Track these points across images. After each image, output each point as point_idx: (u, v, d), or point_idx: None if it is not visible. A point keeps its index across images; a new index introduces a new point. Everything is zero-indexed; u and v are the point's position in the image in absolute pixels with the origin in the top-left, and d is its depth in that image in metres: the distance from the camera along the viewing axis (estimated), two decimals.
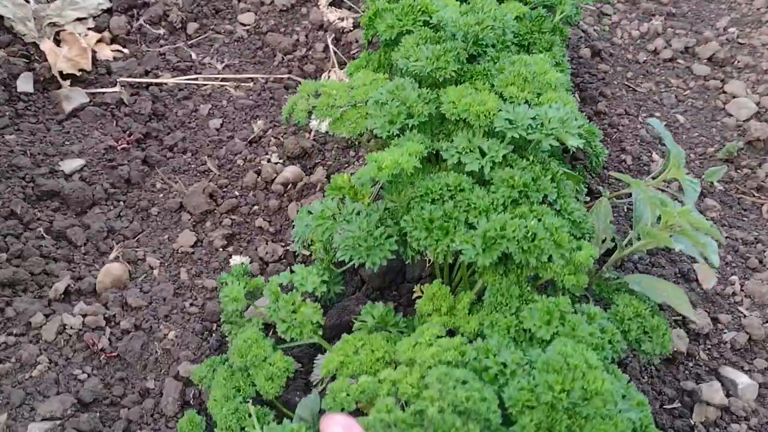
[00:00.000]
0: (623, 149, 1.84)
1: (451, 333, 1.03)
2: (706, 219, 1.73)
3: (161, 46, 2.08)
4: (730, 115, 2.05)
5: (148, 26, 2.12)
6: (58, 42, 1.99)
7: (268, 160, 1.73)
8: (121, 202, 1.63)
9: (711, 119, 2.04)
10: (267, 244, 1.52)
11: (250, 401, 1.05)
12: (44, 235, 1.50)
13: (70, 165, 1.68)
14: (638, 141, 1.89)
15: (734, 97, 2.10)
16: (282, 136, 1.80)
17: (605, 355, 0.94)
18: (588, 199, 1.50)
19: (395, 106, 1.20)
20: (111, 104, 1.86)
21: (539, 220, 1.02)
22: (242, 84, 1.98)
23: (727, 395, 1.32)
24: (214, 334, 1.34)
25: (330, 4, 2.20)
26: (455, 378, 0.80)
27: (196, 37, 2.14)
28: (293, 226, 1.25)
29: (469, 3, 1.31)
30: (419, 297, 1.14)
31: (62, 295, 1.39)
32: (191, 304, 1.39)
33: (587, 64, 2.10)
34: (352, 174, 1.30)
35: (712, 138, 1.98)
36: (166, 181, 1.68)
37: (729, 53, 2.26)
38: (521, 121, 1.11)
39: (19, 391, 1.22)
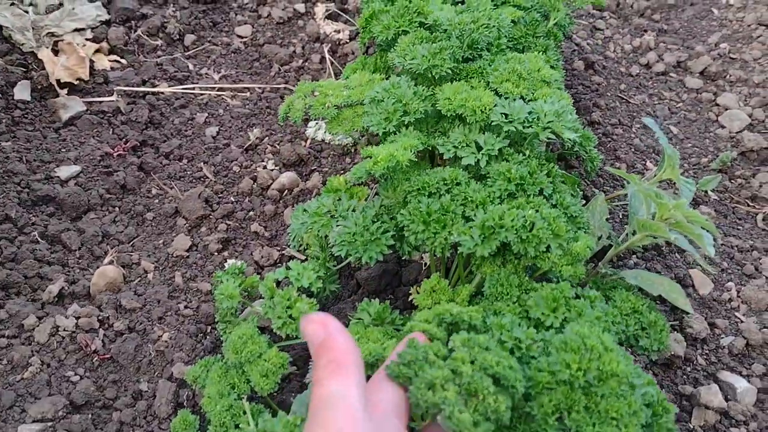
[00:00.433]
0: (617, 157, 1.84)
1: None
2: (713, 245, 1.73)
3: (158, 56, 2.09)
4: (723, 127, 2.07)
5: (145, 37, 2.13)
6: (56, 52, 2.00)
7: (264, 167, 1.73)
8: (117, 208, 1.62)
9: (704, 131, 2.06)
10: (262, 248, 1.51)
11: (245, 398, 1.04)
12: (39, 239, 1.50)
13: (65, 171, 1.68)
14: (632, 150, 1.89)
15: (727, 109, 2.11)
16: (278, 144, 1.80)
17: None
18: (584, 202, 1.51)
19: (391, 104, 1.21)
20: (108, 113, 1.87)
21: (537, 210, 1.02)
22: (239, 94, 1.99)
23: (726, 399, 1.30)
24: (208, 337, 1.33)
25: (327, 17, 2.22)
26: (479, 344, 0.79)
27: (194, 49, 2.15)
28: (289, 231, 1.25)
29: (464, 3, 1.33)
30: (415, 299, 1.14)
31: (56, 298, 1.37)
32: (186, 307, 1.37)
33: (581, 76, 2.12)
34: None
35: (705, 149, 1.99)
36: (161, 187, 1.68)
37: (721, 67, 2.29)
38: (517, 115, 1.12)
39: (10, 392, 1.20)
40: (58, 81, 1.91)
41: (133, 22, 2.17)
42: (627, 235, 1.17)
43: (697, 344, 1.41)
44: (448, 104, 1.17)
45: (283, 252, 1.51)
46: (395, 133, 1.20)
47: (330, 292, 1.21)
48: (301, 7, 2.29)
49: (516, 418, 0.80)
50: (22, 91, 1.87)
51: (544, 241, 0.99)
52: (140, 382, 1.25)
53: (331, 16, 2.24)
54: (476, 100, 1.15)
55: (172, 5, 2.25)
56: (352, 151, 1.76)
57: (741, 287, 1.55)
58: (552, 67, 1.50)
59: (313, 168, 1.74)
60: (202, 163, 1.75)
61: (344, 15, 2.25)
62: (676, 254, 1.60)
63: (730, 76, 2.26)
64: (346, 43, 2.13)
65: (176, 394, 1.21)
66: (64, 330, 1.29)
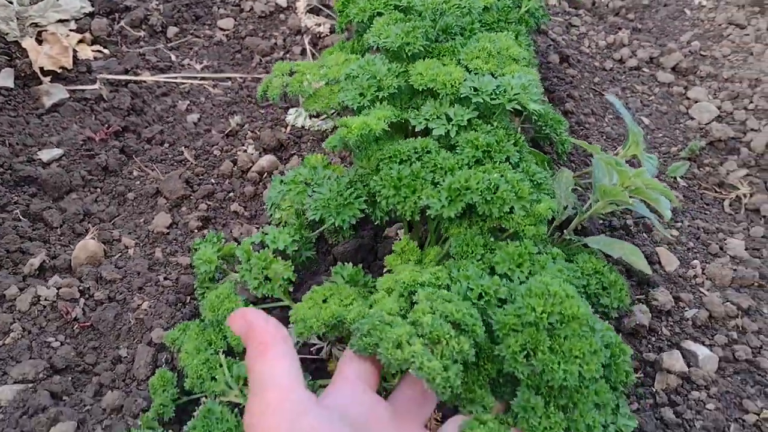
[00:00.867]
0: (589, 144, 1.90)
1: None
2: (672, 207, 1.79)
3: (141, 47, 2.13)
4: (693, 119, 2.13)
5: (128, 29, 2.17)
6: (39, 41, 2.03)
7: (245, 151, 1.77)
8: (98, 189, 1.66)
9: (675, 122, 2.12)
10: (242, 226, 1.55)
11: (221, 351, 1.07)
12: (21, 217, 1.52)
13: (47, 154, 1.71)
14: (603, 137, 1.95)
15: (697, 101, 2.18)
16: (259, 130, 1.85)
17: None
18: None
19: (366, 79, 1.25)
20: (90, 100, 1.90)
21: (501, 175, 1.07)
22: (220, 83, 2.03)
23: (688, 366, 1.35)
24: (187, 306, 1.36)
25: (308, 11, 2.27)
26: (442, 296, 0.84)
27: (176, 41, 2.19)
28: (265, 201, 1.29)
29: None
30: (390, 271, 1.18)
31: (37, 271, 1.40)
32: (165, 278, 1.41)
33: (555, 69, 2.18)
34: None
35: (675, 139, 2.05)
36: (143, 169, 1.71)
37: (692, 63, 2.36)
38: (485, 88, 1.17)
39: None
40: (41, 69, 1.95)
41: (116, 14, 2.21)
42: (590, 204, 1.22)
43: (661, 316, 1.45)
44: (420, 79, 1.22)
45: (262, 230, 1.55)
46: (370, 108, 1.25)
47: (306, 258, 1.25)
48: (282, 1, 2.34)
49: (484, 358, 0.85)
50: (5, 79, 1.90)
51: (508, 202, 1.04)
52: (120, 349, 1.28)
53: (312, 11, 2.29)
54: (447, 74, 1.20)
55: None
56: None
57: (706, 265, 1.60)
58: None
59: (292, 152, 1.78)
60: (183, 148, 1.79)
61: (326, 9, 2.30)
62: (644, 233, 1.65)
63: (701, 71, 2.33)
64: (327, 35, 2.18)
65: (155, 357, 1.24)
66: (45, 299, 1.32)
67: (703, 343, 1.41)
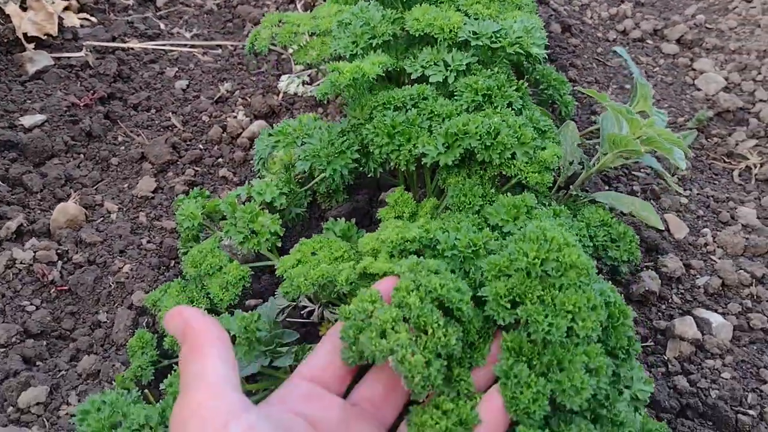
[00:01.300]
0: (594, 112, 1.83)
1: None
2: (677, 179, 1.72)
3: (129, 15, 2.06)
4: (699, 89, 2.06)
5: None
6: (24, 8, 1.96)
7: (235, 117, 1.70)
8: (81, 154, 1.58)
9: (680, 93, 2.05)
10: (231, 191, 1.47)
11: (203, 307, 1.00)
12: None
13: (30, 120, 1.63)
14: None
15: (703, 72, 2.11)
16: (249, 97, 1.77)
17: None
18: None
19: (359, 26, 1.18)
20: (76, 66, 1.82)
21: (503, 120, 0.99)
22: (210, 51, 1.96)
23: (702, 333, 1.28)
24: (171, 270, 1.29)
25: None
26: (427, 267, 0.76)
27: (166, 9, 2.12)
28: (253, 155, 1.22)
29: None
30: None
31: (14, 235, 1.33)
32: (149, 242, 1.34)
33: (558, 39, 2.11)
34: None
35: (681, 109, 1.98)
36: (128, 134, 1.64)
37: (697, 36, 2.28)
38: (485, 32, 1.09)
39: None
40: (25, 35, 1.87)
41: None
42: (598, 158, 1.14)
43: (672, 283, 1.38)
44: (416, 24, 1.15)
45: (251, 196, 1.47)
46: (363, 57, 1.18)
47: (296, 215, 1.18)
48: None
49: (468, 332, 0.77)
50: None
51: (510, 147, 0.97)
52: (99, 313, 1.21)
53: None
54: (445, 19, 1.13)
55: None
56: (325, 101, 1.73)
57: (717, 233, 1.53)
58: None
59: (284, 119, 1.71)
60: (170, 114, 1.71)
61: None
62: (651, 200, 1.58)
63: (707, 43, 2.26)
64: (321, 4, 2.10)
65: (135, 321, 1.17)
66: (21, 263, 1.25)
67: (716, 311, 1.34)
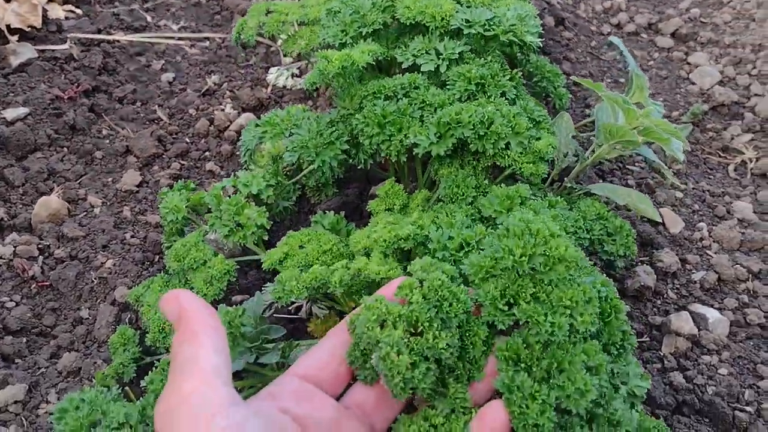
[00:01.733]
0: (588, 105, 1.80)
1: None
2: (672, 173, 1.69)
3: (116, 7, 2.02)
4: (694, 83, 2.04)
5: None
6: (8, 0, 1.92)
7: (222, 110, 1.66)
8: (65, 148, 1.54)
9: (675, 87, 2.03)
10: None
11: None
12: None
13: (12, 113, 1.59)
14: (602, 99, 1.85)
15: (698, 66, 2.09)
16: (237, 89, 1.74)
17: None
18: None
19: (348, 14, 1.15)
20: (60, 59, 1.78)
21: (497, 109, 0.97)
22: (198, 43, 1.92)
23: (698, 329, 1.26)
24: (155, 265, 1.25)
25: None
26: (436, 267, 0.73)
27: (152, 1, 2.08)
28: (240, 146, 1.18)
29: None
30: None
31: None
32: (132, 236, 1.30)
33: (551, 32, 2.08)
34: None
35: (676, 103, 1.96)
36: (113, 128, 1.60)
37: (692, 30, 2.26)
38: (478, 19, 1.07)
39: None
40: (8, 27, 1.83)
41: None
42: (593, 150, 1.12)
43: (667, 278, 1.36)
44: (407, 12, 1.12)
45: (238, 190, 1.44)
46: (353, 46, 1.14)
47: (283, 208, 1.15)
48: None
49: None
50: None
51: (503, 137, 0.94)
52: (81, 310, 1.17)
53: None
54: (436, 6, 1.10)
55: None
56: (315, 95, 1.70)
57: (713, 227, 1.51)
58: None
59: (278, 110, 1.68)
60: (156, 107, 1.68)
61: None
62: (646, 194, 1.56)
63: (701, 37, 2.24)
64: None
65: (117, 317, 1.14)
66: (1, 258, 1.22)
67: (712, 306, 1.32)
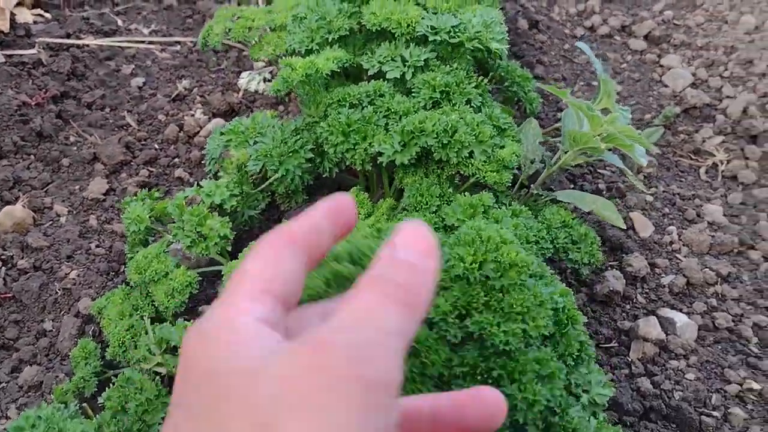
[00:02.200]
0: (560, 109, 1.81)
1: None
2: (643, 176, 1.70)
3: (85, 11, 2.00)
4: (666, 86, 2.05)
5: None
6: None
7: (192, 115, 1.65)
8: (31, 155, 1.52)
9: (648, 89, 2.04)
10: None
11: (147, 316, 0.95)
12: None
13: None
14: None
15: (670, 68, 2.10)
16: (208, 94, 1.72)
17: (531, 251, 0.88)
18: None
19: (314, 21, 1.14)
20: (28, 64, 1.76)
21: (461, 117, 0.96)
22: (169, 47, 1.91)
23: (666, 333, 1.26)
24: (120, 275, 1.23)
25: None
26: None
27: (123, 5, 2.06)
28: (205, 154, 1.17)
29: None
30: None
31: None
32: (98, 246, 1.28)
33: (525, 35, 2.08)
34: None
35: (649, 106, 1.97)
36: (80, 134, 1.58)
37: (665, 32, 2.27)
38: (444, 26, 1.06)
39: None
40: None
41: None
42: (559, 156, 1.12)
43: (636, 283, 1.36)
44: (373, 18, 1.11)
45: None
46: (319, 52, 1.14)
47: (249, 217, 1.14)
48: None
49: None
50: None
51: (467, 146, 0.94)
52: (44, 322, 1.15)
53: None
54: (402, 13, 1.10)
55: None
56: (286, 100, 1.69)
57: (682, 231, 1.51)
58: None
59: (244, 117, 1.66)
60: (125, 112, 1.66)
61: None
62: (617, 198, 1.56)
63: (674, 39, 2.25)
64: None
65: (81, 330, 1.12)
66: None
67: (680, 311, 1.32)
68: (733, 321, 1.31)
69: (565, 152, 1.08)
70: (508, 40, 2.04)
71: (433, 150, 0.94)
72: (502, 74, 1.44)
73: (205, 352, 0.36)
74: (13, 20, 1.90)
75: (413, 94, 1.03)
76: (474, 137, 0.94)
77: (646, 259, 1.41)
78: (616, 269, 1.36)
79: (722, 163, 1.77)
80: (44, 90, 1.69)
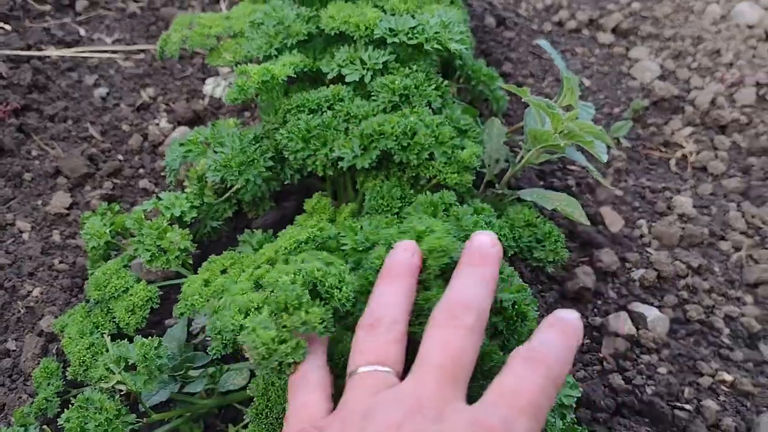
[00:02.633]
0: (527, 105, 1.80)
1: None
2: (613, 171, 1.70)
3: (46, 22, 1.96)
4: (635, 79, 2.06)
5: (32, 3, 1.99)
6: None
7: (157, 125, 1.63)
8: None
9: (616, 83, 2.04)
10: None
11: (107, 333, 0.94)
12: None
13: None
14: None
15: (638, 61, 2.10)
16: (173, 102, 1.70)
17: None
18: None
19: (272, 26, 1.13)
20: None
21: (420, 119, 0.95)
22: (132, 56, 1.88)
23: (637, 328, 1.26)
24: (84, 292, 1.21)
25: None
26: (316, 256, 0.71)
27: (86, 14, 2.03)
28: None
29: None
30: None
31: None
32: (61, 262, 1.26)
33: (492, 32, 2.08)
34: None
35: (617, 99, 1.97)
36: (42, 148, 1.55)
37: (632, 24, 2.28)
38: (402, 28, 1.05)
39: None
40: None
41: None
42: (522, 155, 1.11)
43: (607, 278, 1.36)
44: (331, 22, 1.09)
45: None
46: (278, 58, 1.12)
47: (212, 228, 1.12)
48: None
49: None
50: None
51: (427, 148, 0.93)
52: (7, 342, 1.13)
53: None
54: (360, 16, 1.08)
55: None
56: (252, 106, 1.67)
57: (652, 224, 1.51)
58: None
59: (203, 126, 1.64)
60: (88, 124, 1.63)
61: None
62: (587, 194, 1.56)
63: (642, 31, 2.25)
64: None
65: (44, 349, 1.10)
66: None
67: (652, 305, 1.32)
68: (704, 313, 1.31)
69: (528, 150, 1.07)
70: (476, 38, 2.04)
71: (393, 153, 0.93)
72: (469, 73, 1.43)
73: None
74: None
75: (373, 98, 1.02)
76: (434, 139, 0.93)
77: (617, 254, 1.41)
78: (587, 265, 1.36)
79: (691, 155, 1.77)
80: (5, 103, 1.66)
